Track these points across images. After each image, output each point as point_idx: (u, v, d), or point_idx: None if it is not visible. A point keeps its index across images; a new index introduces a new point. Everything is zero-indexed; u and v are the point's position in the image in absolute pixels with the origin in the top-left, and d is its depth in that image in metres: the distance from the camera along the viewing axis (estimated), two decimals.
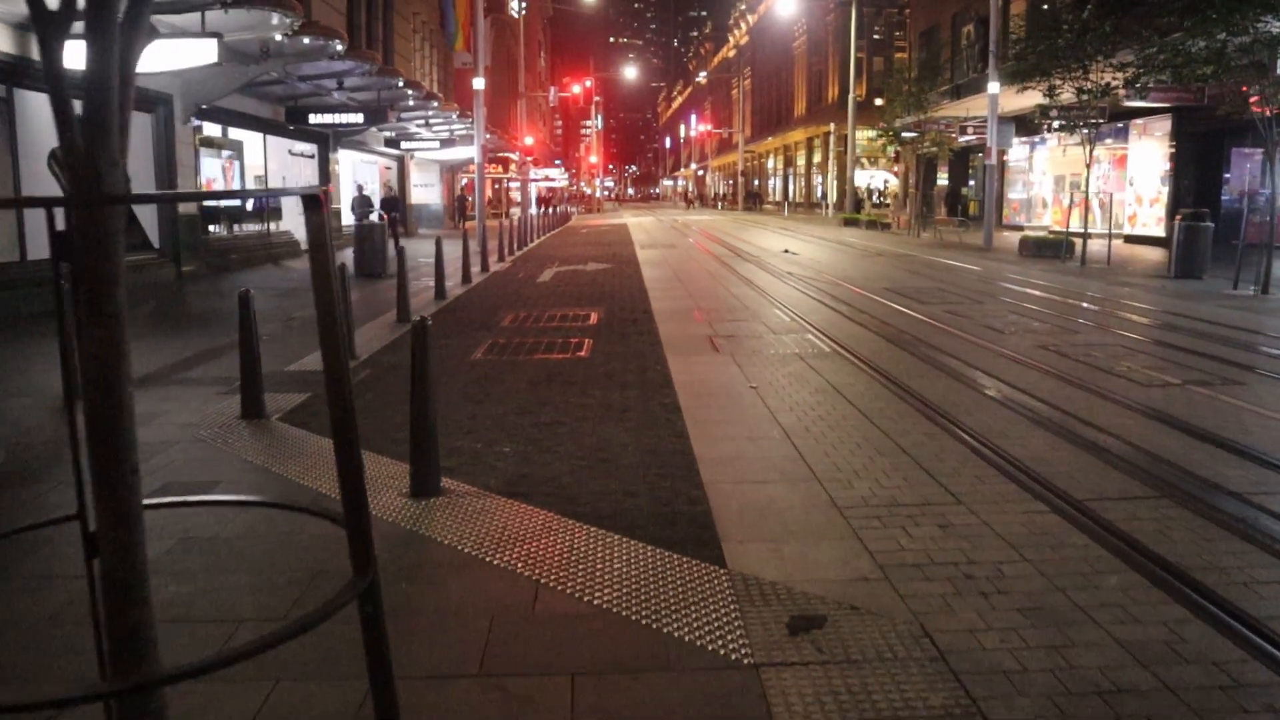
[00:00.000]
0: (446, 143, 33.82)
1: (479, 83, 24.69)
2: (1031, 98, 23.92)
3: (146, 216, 17.17)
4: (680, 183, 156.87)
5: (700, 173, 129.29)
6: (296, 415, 7.53)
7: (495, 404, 7.82)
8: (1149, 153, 29.18)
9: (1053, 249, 24.31)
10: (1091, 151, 22.58)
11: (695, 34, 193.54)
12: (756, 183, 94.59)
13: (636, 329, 11.91)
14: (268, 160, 23.44)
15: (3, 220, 13.45)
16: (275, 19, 14.29)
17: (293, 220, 25.15)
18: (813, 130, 70.74)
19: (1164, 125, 28.05)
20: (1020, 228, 36.04)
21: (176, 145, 17.63)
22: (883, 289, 16.32)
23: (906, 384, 8.35)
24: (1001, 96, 27.70)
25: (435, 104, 26.54)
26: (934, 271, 20.16)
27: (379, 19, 31.25)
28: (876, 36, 64.44)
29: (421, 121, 30.75)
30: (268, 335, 11.94)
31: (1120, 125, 29.67)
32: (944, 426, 6.92)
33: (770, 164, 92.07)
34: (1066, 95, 21.90)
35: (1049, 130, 28.30)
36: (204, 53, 12.84)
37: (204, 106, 19.40)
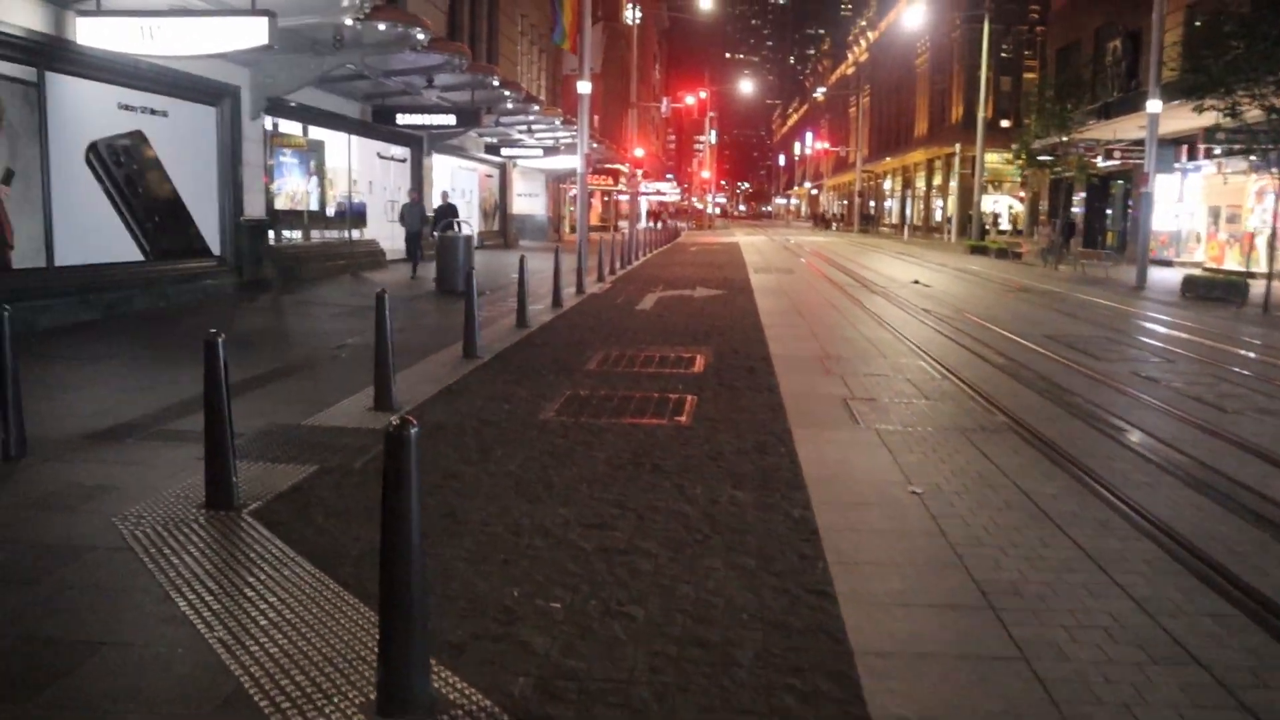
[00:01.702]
0: (550, 150, 31.99)
1: (584, 87, 22.66)
2: (1195, 119, 21.02)
3: (206, 219, 15.49)
4: (794, 201, 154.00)
5: (814, 192, 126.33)
6: (281, 508, 5.42)
7: (555, 503, 5.59)
8: None
9: (1223, 291, 21.14)
10: None
11: (812, 51, 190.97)
12: (872, 204, 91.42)
13: (752, 382, 9.59)
14: (352, 162, 21.76)
15: (28, 218, 11.81)
16: None
17: (378, 228, 23.45)
18: (934, 151, 67.77)
19: None
20: (1168, 263, 32.71)
21: (243, 142, 15.93)
22: (1041, 336, 13.70)
23: (1134, 500, 5.85)
24: (1162, 116, 24.68)
25: (536, 107, 24.63)
26: (1093, 315, 17.36)
27: (483, 18, 29.57)
28: (1005, 55, 61.09)
29: (524, 127, 28.90)
30: (302, 367, 9.96)
31: None
32: (1261, 620, 4.41)
33: (887, 185, 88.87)
34: (1254, 113, 18.91)
35: (1212, 155, 25.20)
36: (252, 33, 10.97)
37: (291, 103, 17.77)
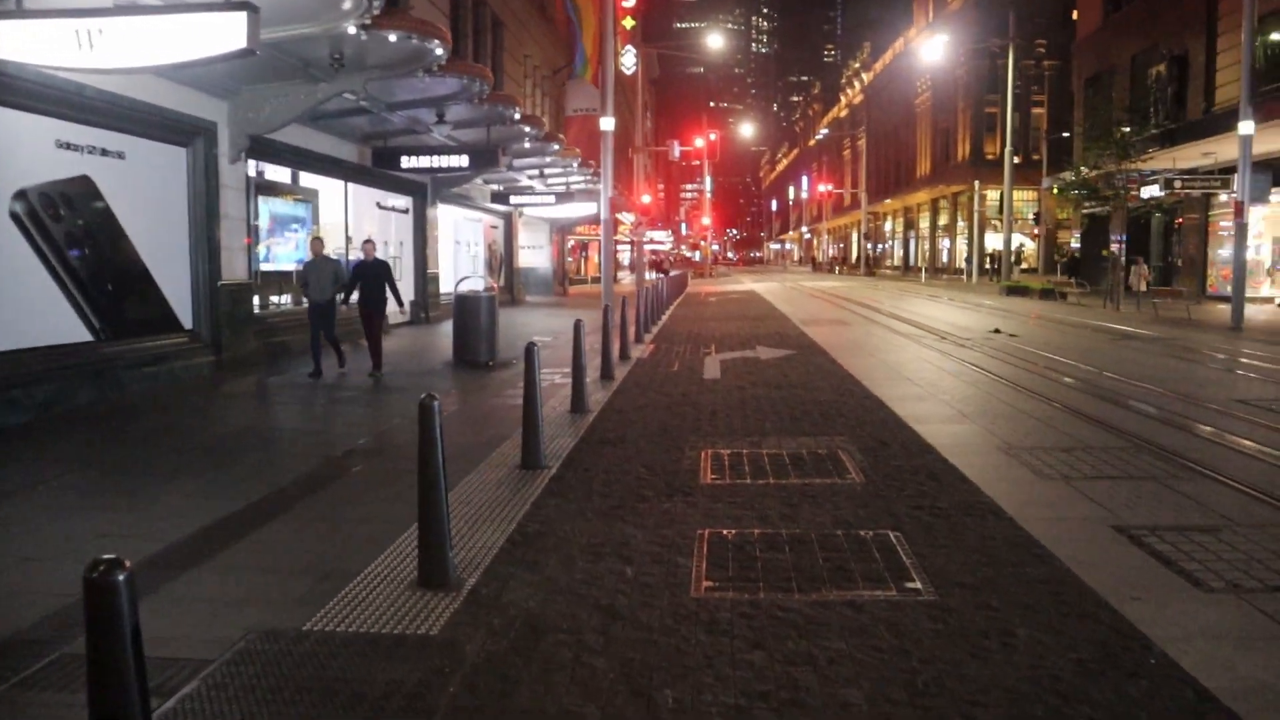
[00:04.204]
0: (563, 197, 29.25)
1: (608, 123, 19.92)
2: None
3: (175, 285, 12.55)
4: (787, 246, 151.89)
5: (808, 236, 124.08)
6: None
7: None
8: None
9: None
10: None
11: (798, 98, 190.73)
12: (870, 246, 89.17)
13: (954, 498, 6.58)
14: (349, 214, 18.89)
15: None
16: None
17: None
18: (939, 191, 65.96)
19: None
20: (1226, 298, 30.03)
21: (221, 190, 13.05)
22: (1227, 400, 10.82)
23: None
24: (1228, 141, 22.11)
25: (555, 146, 21.85)
26: (1240, 366, 14.48)
27: (487, 54, 26.92)
28: (1016, 91, 59.09)
29: (535, 172, 26.15)
30: (300, 494, 6.87)
31: None
32: None
33: (888, 226, 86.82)
34: None
35: None
36: (225, 36, 8.05)
37: (279, 144, 14.92)
